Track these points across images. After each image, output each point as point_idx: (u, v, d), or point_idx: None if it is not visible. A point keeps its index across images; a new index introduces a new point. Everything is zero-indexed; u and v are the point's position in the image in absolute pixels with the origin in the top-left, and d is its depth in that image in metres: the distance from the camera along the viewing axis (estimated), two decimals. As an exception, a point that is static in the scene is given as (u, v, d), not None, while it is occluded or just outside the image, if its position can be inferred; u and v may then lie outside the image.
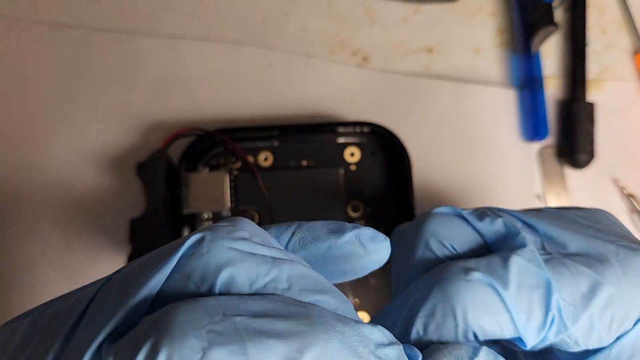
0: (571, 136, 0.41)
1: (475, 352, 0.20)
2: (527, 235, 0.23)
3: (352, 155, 0.40)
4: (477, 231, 0.24)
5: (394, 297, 0.25)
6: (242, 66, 0.42)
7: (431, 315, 0.22)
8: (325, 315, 0.17)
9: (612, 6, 0.43)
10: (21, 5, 0.42)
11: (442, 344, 0.21)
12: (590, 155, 0.41)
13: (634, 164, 0.42)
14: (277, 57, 0.42)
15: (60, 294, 0.20)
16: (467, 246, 0.24)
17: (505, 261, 0.22)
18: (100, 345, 0.17)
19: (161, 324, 0.16)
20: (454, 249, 0.24)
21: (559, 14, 0.43)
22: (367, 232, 0.22)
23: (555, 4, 0.42)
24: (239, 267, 0.18)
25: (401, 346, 0.18)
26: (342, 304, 0.19)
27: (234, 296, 0.17)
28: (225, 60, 0.42)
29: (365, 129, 0.39)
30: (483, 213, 0.25)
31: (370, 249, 0.22)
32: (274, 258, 0.19)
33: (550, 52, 0.43)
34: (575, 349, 0.23)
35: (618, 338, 0.22)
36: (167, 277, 0.18)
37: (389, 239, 0.22)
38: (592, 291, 0.22)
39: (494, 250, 0.24)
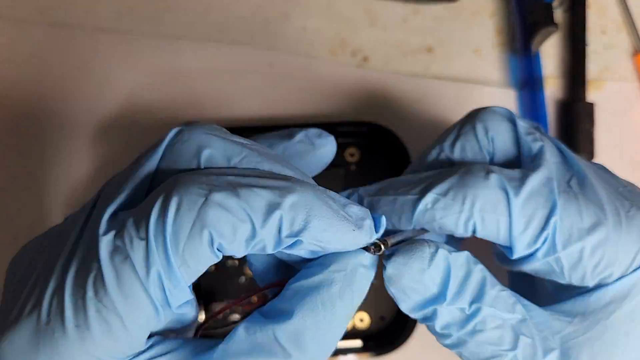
0: (571, 136, 0.41)
1: (435, 250, 0.23)
2: (554, 166, 0.25)
3: (352, 155, 0.40)
4: (518, 140, 0.27)
5: (414, 162, 0.29)
6: (242, 66, 0.42)
7: (443, 194, 0.24)
8: (299, 179, 0.22)
9: (612, 6, 0.43)
10: (23, 7, 0.42)
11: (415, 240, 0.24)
12: (589, 155, 0.41)
13: (634, 164, 0.42)
14: (277, 58, 0.42)
15: None
16: (503, 145, 0.27)
17: (525, 177, 0.24)
18: (115, 213, 0.21)
19: (169, 186, 0.20)
20: (492, 141, 0.27)
21: (558, 14, 0.43)
22: (314, 130, 0.27)
23: (555, 4, 0.42)
24: (216, 147, 0.22)
25: (368, 211, 0.23)
26: (306, 177, 0.23)
27: (224, 168, 0.22)
28: (226, 61, 0.42)
29: (365, 129, 0.39)
30: (531, 130, 0.27)
31: (318, 144, 0.27)
32: (243, 143, 0.23)
33: (550, 52, 0.43)
34: (560, 279, 0.25)
35: (600, 286, 0.24)
36: (160, 162, 0.23)
37: (332, 135, 0.27)
38: (592, 229, 0.24)
39: (523, 160, 0.27)
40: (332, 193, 0.22)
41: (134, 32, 0.42)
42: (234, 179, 0.21)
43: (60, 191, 0.41)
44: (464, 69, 0.43)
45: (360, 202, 0.26)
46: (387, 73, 0.42)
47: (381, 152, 0.40)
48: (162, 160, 0.22)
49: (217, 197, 0.20)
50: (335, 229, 0.21)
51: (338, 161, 0.40)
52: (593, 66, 0.43)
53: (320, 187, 0.22)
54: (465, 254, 0.24)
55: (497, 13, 0.43)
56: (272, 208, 0.20)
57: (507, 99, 0.42)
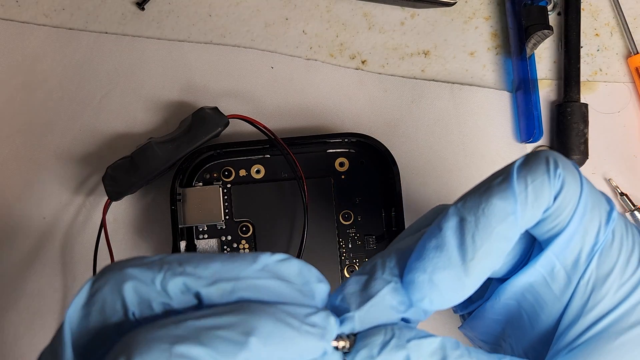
0: (565, 137, 0.42)
1: (390, 337, 0.22)
2: None
3: (342, 165, 0.41)
4: None
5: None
6: (243, 69, 0.43)
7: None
8: (252, 305, 0.21)
9: (606, 9, 0.44)
10: (29, 9, 0.43)
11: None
12: (583, 155, 0.42)
13: (627, 164, 0.43)
14: (278, 60, 0.43)
15: None
16: None
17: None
18: None
19: (126, 348, 0.19)
20: None
21: (553, 17, 0.44)
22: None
23: (549, 7, 0.43)
24: (133, 276, 0.20)
25: (328, 312, 0.22)
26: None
27: (177, 314, 0.20)
28: (228, 63, 0.43)
29: (354, 140, 0.40)
30: None
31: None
32: (160, 259, 0.21)
33: (544, 54, 0.44)
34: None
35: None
36: (84, 321, 0.20)
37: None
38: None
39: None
40: (290, 307, 0.21)
41: (139, 36, 0.43)
42: (192, 324, 0.19)
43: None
44: (459, 71, 0.44)
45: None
46: (384, 75, 0.43)
47: (370, 161, 0.41)
48: (85, 319, 0.21)
49: (181, 349, 0.18)
50: (296, 347, 0.20)
51: (328, 171, 0.41)
52: (586, 68, 0.44)
53: (277, 306, 0.21)
54: (437, 341, 0.22)
55: (492, 17, 0.44)
56: (237, 348, 0.19)
57: (501, 100, 0.43)
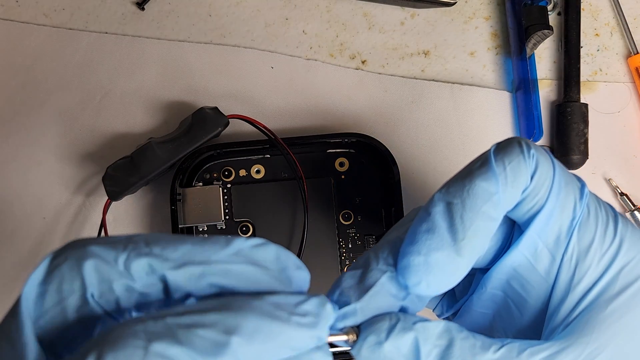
0: (565, 137, 0.42)
1: (396, 322, 0.22)
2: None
3: (342, 165, 0.41)
4: None
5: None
6: (243, 69, 0.43)
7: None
8: (237, 300, 0.19)
9: (606, 9, 0.44)
10: (29, 9, 0.43)
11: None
12: (583, 155, 0.42)
13: (627, 164, 0.43)
14: (278, 60, 0.43)
15: None
16: None
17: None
18: None
19: (101, 342, 0.17)
20: None
21: (553, 17, 0.44)
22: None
23: (549, 7, 0.43)
24: (95, 254, 0.19)
25: (322, 297, 0.21)
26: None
27: (157, 309, 0.19)
28: (228, 63, 0.43)
29: (354, 140, 0.40)
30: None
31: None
32: (127, 237, 0.20)
33: (544, 54, 0.44)
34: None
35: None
36: (41, 300, 0.19)
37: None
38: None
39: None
40: (279, 297, 0.20)
41: (139, 36, 0.43)
42: (172, 321, 0.18)
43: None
44: (459, 71, 0.44)
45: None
46: (384, 75, 0.43)
47: (370, 160, 0.41)
48: (41, 298, 0.19)
49: (158, 347, 0.17)
50: (284, 341, 0.19)
51: (328, 171, 0.41)
52: (586, 68, 0.44)
53: (264, 297, 0.20)
54: (442, 324, 0.22)
55: (492, 17, 0.44)
56: (218, 349, 0.18)
57: (501, 100, 0.43)
